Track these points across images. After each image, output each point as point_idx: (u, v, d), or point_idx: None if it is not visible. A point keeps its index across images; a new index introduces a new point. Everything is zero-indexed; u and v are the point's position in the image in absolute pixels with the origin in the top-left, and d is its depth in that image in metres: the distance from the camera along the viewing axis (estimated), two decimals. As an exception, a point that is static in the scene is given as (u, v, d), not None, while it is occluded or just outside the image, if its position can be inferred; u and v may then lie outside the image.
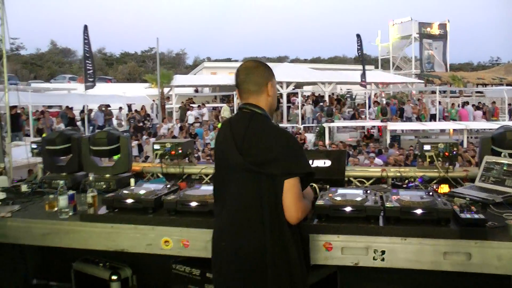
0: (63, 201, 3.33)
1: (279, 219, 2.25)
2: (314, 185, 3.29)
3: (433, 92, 28.01)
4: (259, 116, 2.35)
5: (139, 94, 27.17)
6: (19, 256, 4.17)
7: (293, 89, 26.32)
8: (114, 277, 3.58)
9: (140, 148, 16.93)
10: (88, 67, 17.06)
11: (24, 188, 4.20)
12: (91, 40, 17.00)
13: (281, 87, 25.16)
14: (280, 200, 2.23)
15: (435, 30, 42.34)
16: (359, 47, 24.70)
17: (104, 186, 3.99)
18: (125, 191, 3.39)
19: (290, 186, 2.22)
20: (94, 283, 3.68)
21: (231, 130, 2.35)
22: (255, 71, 2.38)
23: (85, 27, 16.76)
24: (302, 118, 23.28)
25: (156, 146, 4.44)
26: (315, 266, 2.93)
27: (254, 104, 2.36)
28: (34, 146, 4.72)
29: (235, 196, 2.32)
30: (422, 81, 34.85)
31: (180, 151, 4.34)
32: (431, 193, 3.04)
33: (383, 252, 2.70)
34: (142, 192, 3.33)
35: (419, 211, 2.76)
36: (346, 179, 3.89)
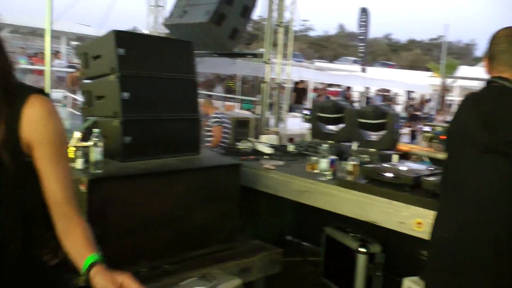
0: (324, 163, 3.44)
1: None
2: None
3: None
4: None
5: (420, 82, 26.46)
6: (277, 211, 4.51)
7: None
8: (362, 250, 3.54)
9: (413, 136, 16.58)
10: (360, 50, 17.39)
11: (290, 148, 4.49)
12: (377, 26, 17.31)
13: None
14: None
15: None
16: None
17: (367, 159, 3.97)
18: (385, 165, 3.33)
19: None
20: (342, 251, 3.72)
21: (475, 105, 2.02)
22: None
23: (363, 9, 16.93)
24: None
25: (426, 129, 4.30)
26: None
27: (508, 78, 1.96)
28: (306, 112, 5.01)
29: (473, 180, 1.97)
30: None
31: (451, 137, 4.05)
32: None
33: None
34: (402, 168, 3.21)
35: None
36: None
